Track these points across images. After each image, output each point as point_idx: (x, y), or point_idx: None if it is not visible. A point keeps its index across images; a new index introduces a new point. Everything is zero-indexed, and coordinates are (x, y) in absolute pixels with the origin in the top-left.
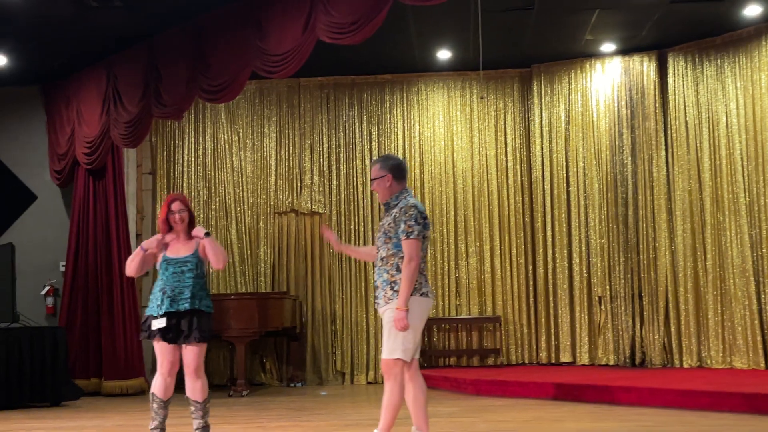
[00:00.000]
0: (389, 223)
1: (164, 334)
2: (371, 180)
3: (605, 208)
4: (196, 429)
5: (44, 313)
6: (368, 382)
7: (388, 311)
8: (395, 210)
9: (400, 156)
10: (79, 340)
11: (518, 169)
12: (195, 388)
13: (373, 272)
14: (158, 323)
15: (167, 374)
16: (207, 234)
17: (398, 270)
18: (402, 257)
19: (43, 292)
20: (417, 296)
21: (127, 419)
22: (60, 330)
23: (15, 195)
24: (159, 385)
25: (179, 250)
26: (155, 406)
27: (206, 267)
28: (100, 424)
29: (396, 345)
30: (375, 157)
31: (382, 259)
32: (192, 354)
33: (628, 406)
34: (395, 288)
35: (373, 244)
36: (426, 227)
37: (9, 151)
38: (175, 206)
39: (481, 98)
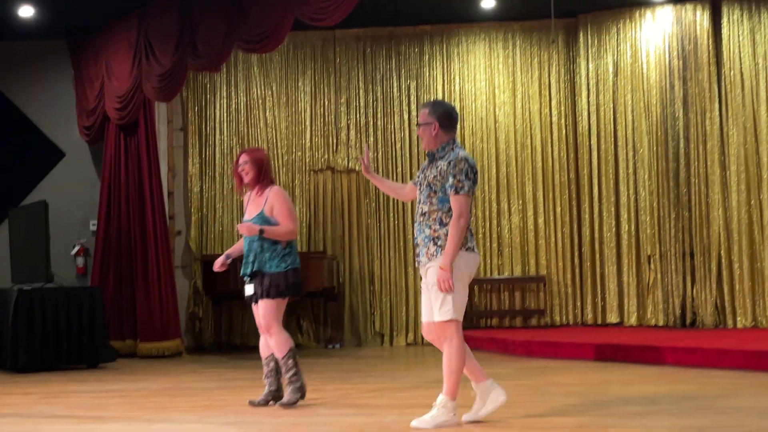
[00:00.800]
0: (434, 176)
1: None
2: (417, 125)
3: (655, 163)
4: (286, 385)
5: (75, 274)
6: (407, 344)
7: (432, 269)
8: (442, 162)
9: None
10: (112, 301)
11: (563, 124)
12: (269, 344)
13: (413, 228)
14: (247, 289)
15: (260, 330)
16: (261, 232)
17: (441, 224)
18: (446, 212)
19: (74, 252)
20: (463, 251)
21: (172, 381)
22: (96, 290)
23: (43, 152)
24: (260, 343)
25: (251, 210)
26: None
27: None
28: (145, 386)
29: (446, 305)
30: (415, 110)
31: (423, 214)
32: (259, 311)
33: (693, 367)
34: (439, 243)
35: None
36: (476, 183)
37: (35, 108)
38: (240, 158)
39: (552, 42)
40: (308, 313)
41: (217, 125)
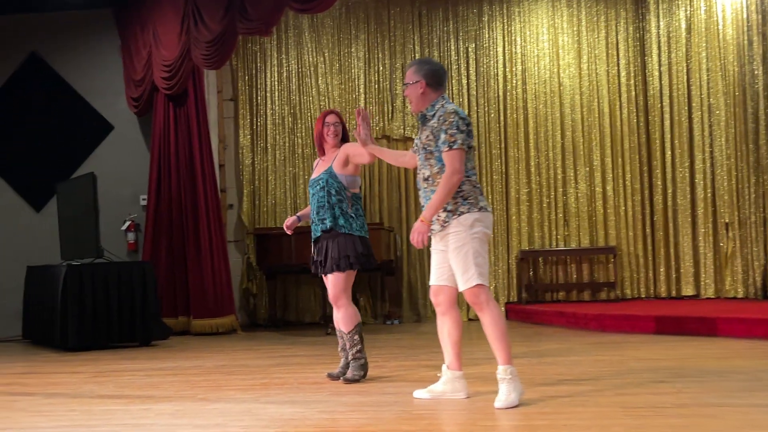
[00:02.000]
0: (427, 137)
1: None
2: (403, 84)
3: (732, 125)
4: (349, 361)
5: (125, 250)
6: (469, 319)
7: (449, 237)
8: (433, 121)
9: (500, 75)
10: (164, 278)
11: (632, 85)
12: (336, 317)
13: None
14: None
15: (332, 302)
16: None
17: None
18: None
19: (124, 227)
20: (475, 211)
21: (227, 359)
22: (148, 265)
23: (91, 126)
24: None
25: (318, 169)
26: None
27: (354, 184)
28: (200, 364)
29: (470, 271)
30: (474, 75)
31: (426, 179)
32: (329, 283)
33: None
34: (449, 209)
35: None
36: (470, 135)
37: (82, 79)
38: (330, 118)
39: None
40: (365, 288)
41: (268, 94)
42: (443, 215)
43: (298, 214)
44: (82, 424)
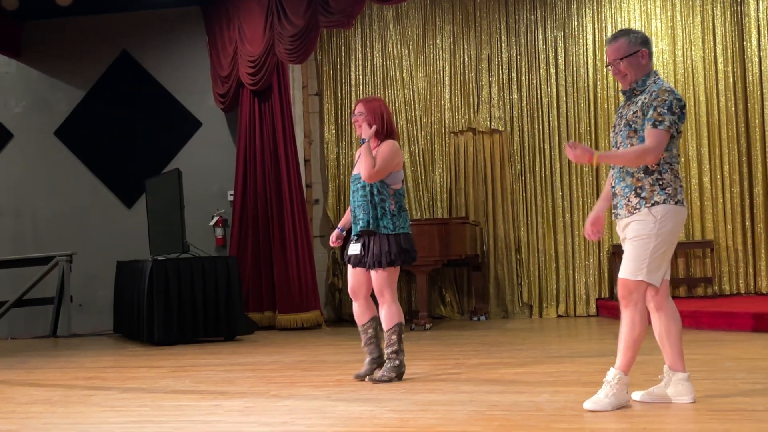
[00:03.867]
0: (634, 112)
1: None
2: (617, 60)
3: None
4: (385, 355)
5: (214, 245)
6: (559, 316)
7: (633, 224)
8: (642, 96)
9: (590, 64)
10: (251, 273)
11: (730, 72)
12: (380, 314)
13: (612, 179)
14: (351, 248)
15: (352, 296)
16: (362, 141)
17: (646, 172)
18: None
19: (212, 223)
20: (671, 204)
21: (307, 354)
22: (232, 260)
23: (180, 122)
24: (353, 310)
25: (359, 164)
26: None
27: (396, 180)
28: (279, 359)
29: (640, 264)
30: (563, 64)
31: None
32: (372, 279)
33: None
34: (642, 195)
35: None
36: (681, 120)
37: (171, 77)
38: (357, 108)
39: None
40: (451, 283)
41: (353, 88)
42: (635, 200)
43: (339, 226)
44: (151, 420)
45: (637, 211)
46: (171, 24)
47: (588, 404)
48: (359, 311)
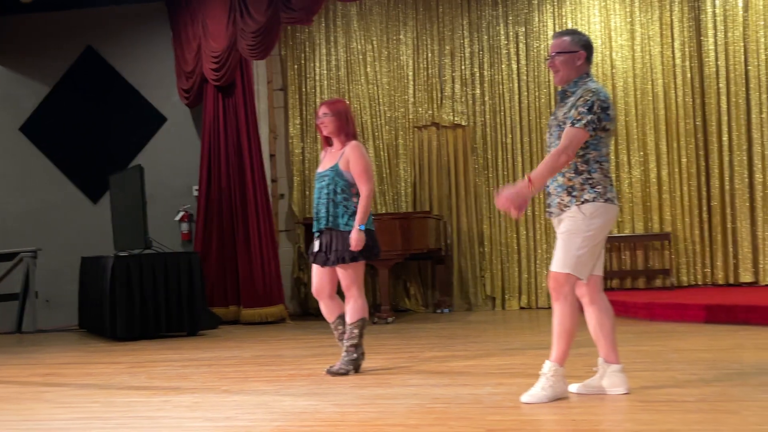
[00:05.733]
0: (564, 113)
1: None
2: (556, 53)
3: None
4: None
5: (180, 240)
6: (521, 308)
7: (565, 221)
8: (573, 97)
9: None
10: (215, 267)
11: (687, 66)
12: (346, 307)
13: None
14: (314, 245)
15: (316, 296)
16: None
17: (576, 172)
18: (581, 155)
19: (178, 218)
20: (601, 202)
21: (266, 349)
22: (194, 255)
23: (145, 117)
24: (321, 308)
25: (325, 163)
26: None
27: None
28: (237, 354)
29: (569, 258)
30: (525, 59)
31: None
32: (338, 275)
33: None
34: (573, 193)
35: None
36: (604, 119)
37: (136, 72)
38: (320, 110)
39: None
40: (415, 276)
41: (317, 84)
42: (566, 199)
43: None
44: (99, 416)
45: (567, 208)
46: (136, 19)
47: (525, 397)
48: (326, 310)
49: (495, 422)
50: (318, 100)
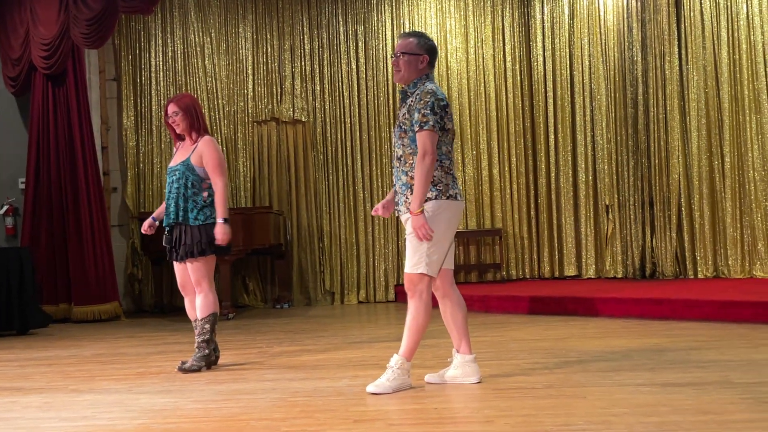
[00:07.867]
0: (404, 114)
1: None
2: (400, 54)
3: (613, 110)
4: (195, 343)
5: (4, 235)
6: (359, 302)
7: (410, 220)
8: (411, 98)
9: (389, 59)
10: (45, 264)
11: (518, 70)
12: (196, 302)
13: (391, 176)
14: (165, 239)
15: (182, 292)
16: (225, 220)
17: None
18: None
19: (2, 212)
20: (444, 199)
21: (106, 347)
22: (24, 250)
23: None
24: (185, 305)
25: (177, 158)
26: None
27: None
28: (76, 353)
29: (420, 257)
30: (363, 58)
31: (398, 158)
32: (179, 270)
33: (659, 320)
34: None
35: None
36: (444, 118)
37: None
38: (169, 109)
39: None
40: (255, 272)
41: (153, 75)
42: (411, 197)
43: (153, 215)
44: None
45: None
46: None
47: (371, 387)
48: (189, 306)
49: (360, 413)
50: (153, 91)
